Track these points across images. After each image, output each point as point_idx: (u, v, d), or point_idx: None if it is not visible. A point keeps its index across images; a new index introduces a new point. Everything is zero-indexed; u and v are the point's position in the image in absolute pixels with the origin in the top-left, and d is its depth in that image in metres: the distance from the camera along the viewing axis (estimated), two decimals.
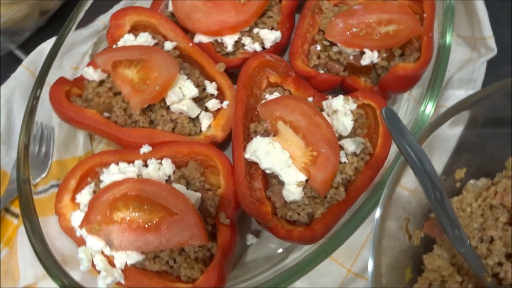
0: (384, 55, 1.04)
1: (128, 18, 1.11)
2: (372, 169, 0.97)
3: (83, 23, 1.24)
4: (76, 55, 1.23)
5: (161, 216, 0.86)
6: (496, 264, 0.88)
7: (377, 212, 0.77)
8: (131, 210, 0.87)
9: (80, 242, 0.93)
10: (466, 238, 0.83)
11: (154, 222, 0.86)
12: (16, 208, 1.16)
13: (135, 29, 1.13)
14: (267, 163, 0.92)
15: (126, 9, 1.11)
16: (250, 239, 1.05)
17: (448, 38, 0.98)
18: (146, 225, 0.85)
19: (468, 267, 0.89)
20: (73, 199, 0.98)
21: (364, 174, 0.98)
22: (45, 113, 1.12)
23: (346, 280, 1.03)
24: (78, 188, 0.99)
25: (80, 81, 1.09)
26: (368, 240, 1.06)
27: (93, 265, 0.90)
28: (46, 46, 1.27)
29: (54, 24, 1.40)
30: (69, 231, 0.96)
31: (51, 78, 1.10)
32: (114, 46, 1.09)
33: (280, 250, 1.05)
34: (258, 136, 0.95)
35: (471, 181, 0.97)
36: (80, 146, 1.18)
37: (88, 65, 1.08)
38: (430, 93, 0.95)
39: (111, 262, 0.90)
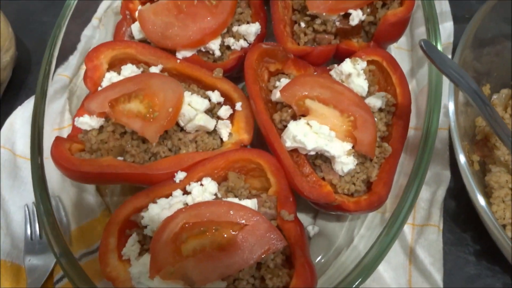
0: (368, 10, 1.06)
1: (103, 56, 1.03)
2: (402, 117, 0.97)
3: None
4: (52, 115, 1.11)
5: (231, 232, 0.80)
6: None
7: (461, 158, 0.77)
8: (198, 238, 0.79)
9: None
10: None
11: (229, 241, 0.78)
12: None
13: (112, 66, 1.05)
14: (311, 144, 0.88)
15: (98, 47, 1.03)
16: (311, 230, 1.00)
17: None
18: (222, 247, 0.78)
19: None
20: (119, 257, 0.88)
21: (397, 124, 0.97)
22: None
23: (415, 234, 1.01)
24: (120, 245, 0.89)
25: (74, 137, 0.99)
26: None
27: None
28: (14, 118, 1.16)
29: (8, 94, 1.28)
30: None
31: None
32: (100, 88, 1.01)
33: (342, 231, 1.02)
34: (292, 121, 0.92)
35: (494, 96, 1.01)
36: (94, 207, 1.07)
37: (77, 115, 0.98)
38: (432, 30, 0.97)
39: None
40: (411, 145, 0.97)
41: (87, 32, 1.29)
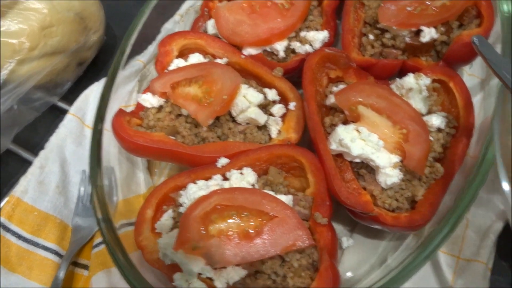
0: (442, 29, 1.02)
1: (175, 44, 1.10)
2: (462, 141, 0.92)
3: (122, 66, 1.24)
4: (121, 95, 1.20)
5: (260, 221, 0.79)
6: None
7: (504, 186, 0.70)
8: (227, 220, 0.80)
9: (171, 271, 0.85)
10: None
11: (255, 229, 0.78)
12: (84, 260, 1.08)
13: (182, 54, 1.12)
14: (357, 150, 0.86)
15: (172, 35, 1.11)
16: (346, 241, 0.97)
17: None
18: (247, 233, 0.78)
19: None
20: (152, 229, 0.91)
21: (455, 147, 0.92)
22: (103, 155, 1.08)
23: (458, 268, 0.94)
24: (155, 218, 0.93)
25: (136, 113, 1.05)
26: (468, 222, 0.98)
27: None
28: (90, 92, 1.26)
29: (90, 73, 1.39)
30: (155, 263, 0.88)
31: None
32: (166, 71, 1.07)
33: (379, 251, 0.97)
34: (341, 125, 0.91)
35: None
36: (141, 183, 1.13)
37: (144, 92, 1.05)
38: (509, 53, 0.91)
39: (211, 286, 0.81)
40: (466, 173, 0.91)
41: (168, 25, 1.37)
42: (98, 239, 1.07)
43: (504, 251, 0.93)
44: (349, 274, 0.95)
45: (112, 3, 1.53)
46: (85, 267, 1.07)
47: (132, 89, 1.22)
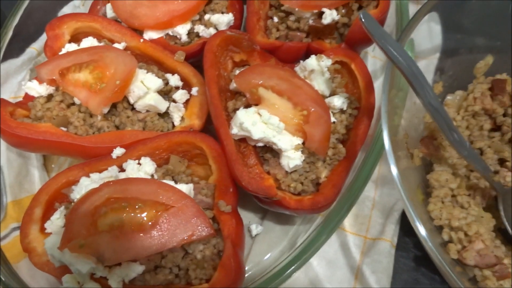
0: (343, 11, 1.02)
1: (65, 26, 1.00)
2: (363, 122, 0.92)
3: (14, 54, 1.13)
4: (12, 85, 1.10)
5: (155, 213, 0.74)
6: (492, 173, 0.85)
7: (389, 158, 0.71)
8: (118, 213, 0.73)
9: (62, 274, 0.77)
10: (465, 140, 0.80)
11: (150, 220, 0.73)
12: None
13: (76, 39, 1.03)
14: (258, 133, 0.83)
15: (62, 17, 1.01)
16: (255, 229, 0.94)
17: None
18: (142, 226, 0.72)
19: (472, 182, 0.86)
20: (42, 229, 0.83)
21: (357, 128, 0.92)
22: None
23: (365, 247, 0.95)
24: (45, 217, 0.84)
25: (23, 104, 0.95)
26: (375, 202, 1.00)
27: None
28: None
29: None
30: (45, 267, 0.79)
31: None
32: None
33: (289, 235, 0.96)
34: (241, 108, 0.87)
35: (449, 97, 0.96)
36: (36, 182, 1.03)
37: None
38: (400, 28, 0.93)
39: (105, 286, 0.75)
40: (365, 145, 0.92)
41: (66, 9, 1.27)
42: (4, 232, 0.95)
43: (407, 228, 0.96)
44: (258, 260, 0.93)
45: None
46: None
47: (23, 78, 1.11)
